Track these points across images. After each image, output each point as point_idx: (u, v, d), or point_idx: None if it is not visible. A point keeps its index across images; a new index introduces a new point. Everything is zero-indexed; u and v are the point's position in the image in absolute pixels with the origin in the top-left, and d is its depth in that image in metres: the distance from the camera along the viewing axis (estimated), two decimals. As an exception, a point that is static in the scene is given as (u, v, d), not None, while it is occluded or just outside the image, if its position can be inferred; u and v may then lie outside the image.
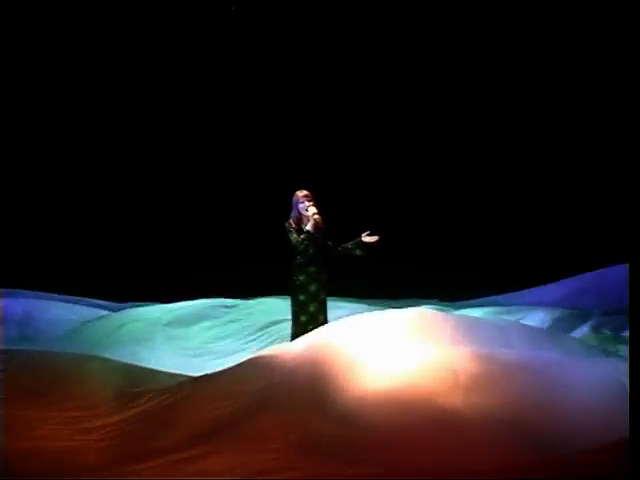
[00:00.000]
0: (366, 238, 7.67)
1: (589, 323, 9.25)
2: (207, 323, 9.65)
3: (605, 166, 12.15)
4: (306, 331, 7.37)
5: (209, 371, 6.76)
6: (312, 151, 12.64)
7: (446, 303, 11.14)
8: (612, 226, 11.10)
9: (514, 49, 12.54)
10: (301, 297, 7.63)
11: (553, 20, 12.17)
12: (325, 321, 7.64)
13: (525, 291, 11.65)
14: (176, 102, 12.90)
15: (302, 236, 7.57)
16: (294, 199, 7.73)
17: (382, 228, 7.76)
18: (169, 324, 9.49)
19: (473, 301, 11.39)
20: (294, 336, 7.57)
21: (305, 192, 7.70)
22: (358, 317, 6.49)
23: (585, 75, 12.30)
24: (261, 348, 8.41)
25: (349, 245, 7.73)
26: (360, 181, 12.93)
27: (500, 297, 11.62)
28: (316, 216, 7.58)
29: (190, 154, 13.10)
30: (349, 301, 10.43)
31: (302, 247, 7.55)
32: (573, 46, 12.19)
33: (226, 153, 13.01)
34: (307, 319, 7.58)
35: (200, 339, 9.34)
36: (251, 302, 10.44)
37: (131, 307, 10.59)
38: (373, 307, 9.81)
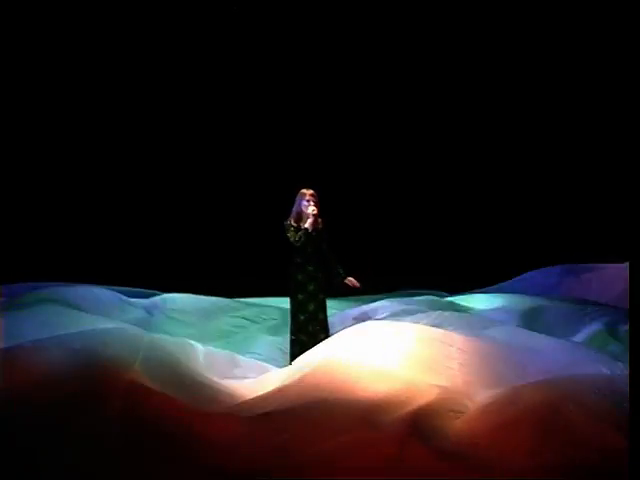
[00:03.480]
0: (349, 281, 7.76)
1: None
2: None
3: (604, 166, 12.15)
4: (305, 330, 7.47)
5: None
6: (309, 151, 12.59)
7: (445, 294, 11.02)
8: (612, 224, 11.10)
9: (511, 49, 12.49)
10: (300, 296, 7.61)
11: (553, 20, 12.13)
12: (325, 320, 7.65)
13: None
14: (176, 100, 12.87)
15: (300, 233, 7.57)
16: (298, 196, 7.70)
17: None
18: None
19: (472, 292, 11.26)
20: (293, 335, 7.60)
21: (312, 191, 7.68)
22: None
23: (582, 76, 12.28)
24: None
25: (335, 269, 7.74)
26: (356, 180, 12.89)
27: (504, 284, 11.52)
28: (315, 211, 7.57)
29: (189, 154, 13.05)
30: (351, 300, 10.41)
31: (299, 244, 7.55)
32: (572, 46, 12.16)
33: (227, 153, 12.97)
34: (306, 318, 7.56)
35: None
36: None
37: None
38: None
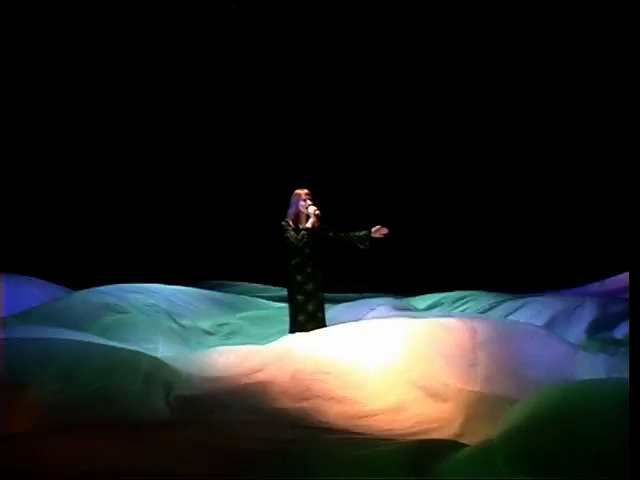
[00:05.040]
0: (376, 230, 7.59)
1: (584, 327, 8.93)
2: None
3: (605, 172, 12.12)
4: (304, 330, 7.38)
5: None
6: (304, 151, 12.61)
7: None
8: (613, 234, 11.04)
9: (514, 50, 12.49)
10: (299, 297, 7.58)
11: (553, 20, 12.14)
12: (323, 319, 7.62)
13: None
14: (175, 99, 12.89)
15: (301, 233, 7.55)
16: (294, 197, 7.67)
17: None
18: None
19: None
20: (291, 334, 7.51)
21: (306, 190, 7.66)
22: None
23: (585, 83, 12.28)
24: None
25: (356, 236, 7.64)
26: (351, 178, 12.89)
27: None
28: (317, 212, 7.56)
29: (189, 153, 13.07)
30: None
31: (301, 244, 7.51)
32: (573, 50, 12.18)
33: (224, 152, 12.98)
34: (305, 318, 7.53)
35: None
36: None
37: None
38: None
